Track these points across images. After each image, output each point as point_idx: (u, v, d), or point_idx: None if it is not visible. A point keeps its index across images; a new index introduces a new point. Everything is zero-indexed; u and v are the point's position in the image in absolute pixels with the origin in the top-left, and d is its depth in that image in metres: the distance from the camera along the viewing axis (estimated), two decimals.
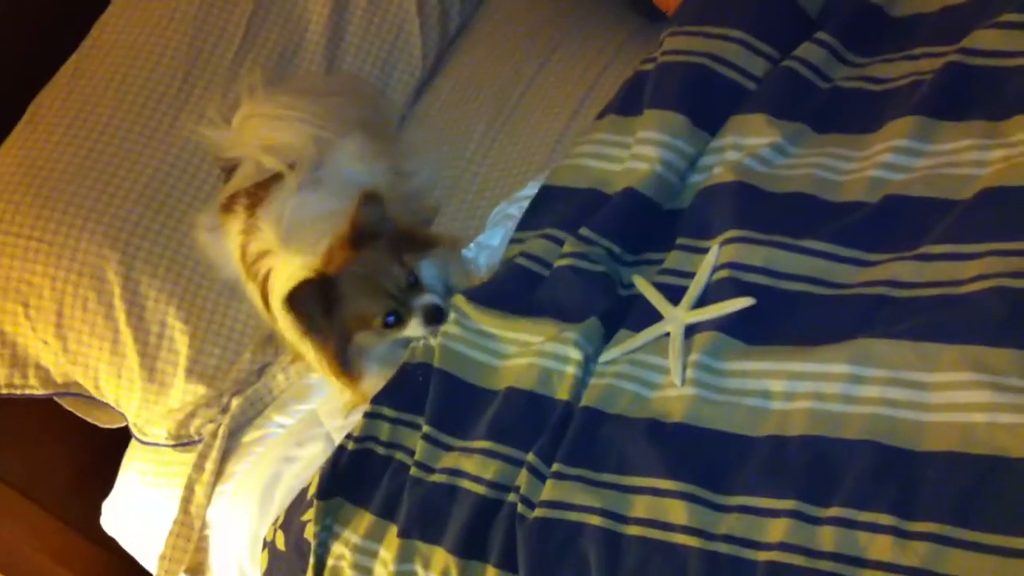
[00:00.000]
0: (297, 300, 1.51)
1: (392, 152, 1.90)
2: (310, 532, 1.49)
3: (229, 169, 1.85)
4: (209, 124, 1.90)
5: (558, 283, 1.52)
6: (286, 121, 1.81)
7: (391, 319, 1.55)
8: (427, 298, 1.56)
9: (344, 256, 1.54)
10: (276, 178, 1.75)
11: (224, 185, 1.85)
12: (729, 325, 1.35)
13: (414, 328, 1.56)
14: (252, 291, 1.74)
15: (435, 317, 1.55)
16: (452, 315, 1.55)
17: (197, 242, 1.85)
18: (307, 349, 1.63)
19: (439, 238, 1.67)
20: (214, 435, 1.81)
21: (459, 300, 1.55)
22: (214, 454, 1.79)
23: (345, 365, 1.58)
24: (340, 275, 1.53)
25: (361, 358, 1.60)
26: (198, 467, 1.80)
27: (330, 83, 2.01)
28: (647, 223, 1.54)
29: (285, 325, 1.64)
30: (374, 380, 1.60)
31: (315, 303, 1.52)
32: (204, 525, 1.79)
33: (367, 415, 1.54)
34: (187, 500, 1.79)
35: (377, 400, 1.55)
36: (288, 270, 1.61)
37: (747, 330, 1.34)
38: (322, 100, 1.88)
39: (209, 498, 1.78)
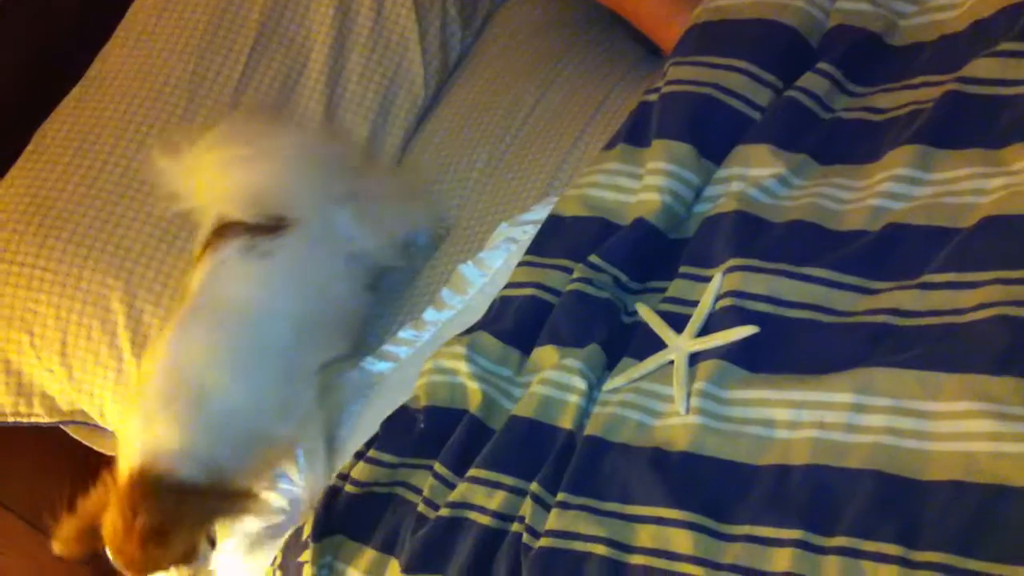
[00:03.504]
0: None
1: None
2: (307, 573, 1.49)
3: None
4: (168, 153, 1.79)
5: (561, 308, 1.53)
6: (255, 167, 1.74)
7: None
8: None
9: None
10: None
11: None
12: (733, 353, 1.35)
13: None
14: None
15: None
16: (464, 352, 1.54)
17: None
18: None
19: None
20: None
21: (485, 338, 1.55)
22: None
23: None
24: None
25: None
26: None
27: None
28: (654, 252, 1.54)
29: None
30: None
31: None
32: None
33: (367, 460, 1.54)
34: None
35: (377, 446, 1.55)
36: None
37: (751, 358, 1.35)
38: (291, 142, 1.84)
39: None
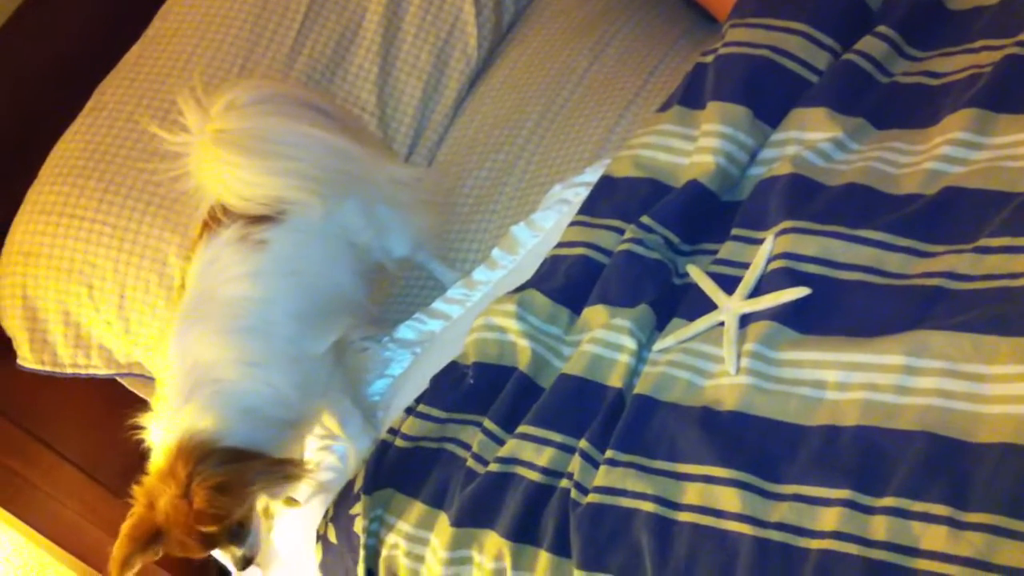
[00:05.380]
0: None
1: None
2: (359, 526, 1.52)
3: None
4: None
5: (612, 268, 1.54)
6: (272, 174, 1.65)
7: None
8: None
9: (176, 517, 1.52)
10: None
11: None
12: (784, 315, 1.35)
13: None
14: None
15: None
16: (515, 310, 1.55)
17: None
18: None
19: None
20: None
21: (535, 296, 1.56)
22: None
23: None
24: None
25: None
26: None
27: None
28: (706, 214, 1.54)
29: None
30: None
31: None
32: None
33: (416, 414, 1.57)
34: None
35: (427, 400, 1.58)
36: None
37: (802, 320, 1.35)
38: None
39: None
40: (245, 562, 1.58)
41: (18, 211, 1.96)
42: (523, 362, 1.53)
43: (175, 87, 1.96)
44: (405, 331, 1.86)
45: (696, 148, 1.58)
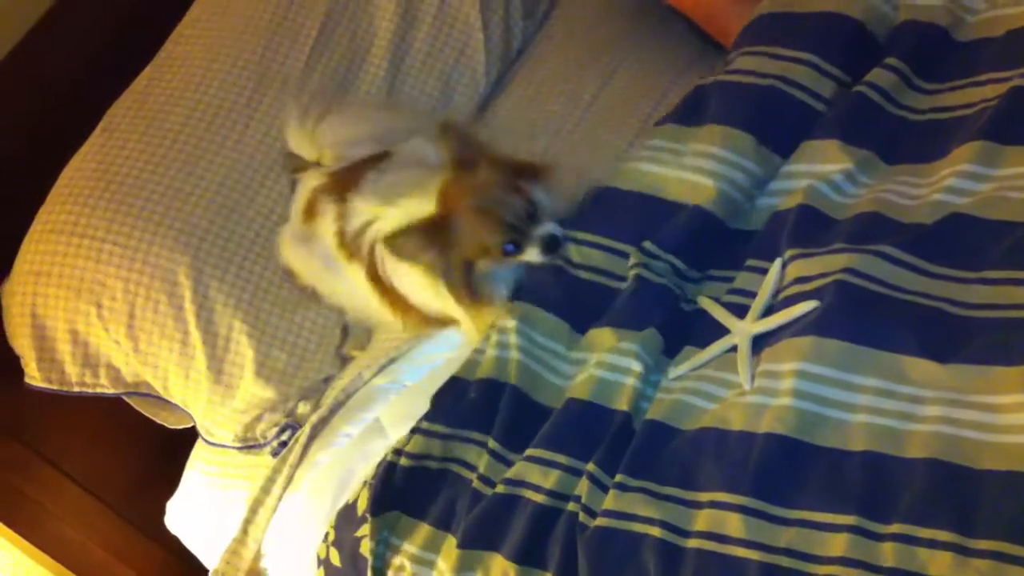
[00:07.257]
0: (395, 243, 1.62)
1: None
2: (366, 548, 1.51)
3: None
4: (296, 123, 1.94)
5: (620, 292, 1.55)
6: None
7: (510, 248, 1.62)
8: (545, 227, 1.62)
9: (458, 192, 1.61)
10: (356, 169, 1.80)
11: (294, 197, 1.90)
12: (796, 333, 1.35)
13: (532, 255, 1.63)
14: (355, 272, 1.78)
15: (552, 246, 1.62)
16: (516, 325, 1.57)
17: (284, 258, 1.90)
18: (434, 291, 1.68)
19: (545, 167, 1.71)
20: (285, 457, 1.83)
21: (534, 310, 1.58)
22: (281, 480, 1.81)
23: (471, 292, 1.65)
24: (456, 211, 1.60)
25: (485, 282, 1.66)
26: (265, 489, 1.82)
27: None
28: (712, 241, 1.56)
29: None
30: (498, 302, 1.66)
31: (419, 242, 1.61)
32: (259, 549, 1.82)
33: (420, 432, 1.57)
34: (248, 521, 1.82)
35: (429, 418, 1.58)
36: (402, 219, 1.65)
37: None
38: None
39: (269, 522, 1.80)
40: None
41: (29, 230, 1.97)
42: (513, 375, 1.54)
43: (187, 108, 1.98)
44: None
45: (693, 169, 1.60)
